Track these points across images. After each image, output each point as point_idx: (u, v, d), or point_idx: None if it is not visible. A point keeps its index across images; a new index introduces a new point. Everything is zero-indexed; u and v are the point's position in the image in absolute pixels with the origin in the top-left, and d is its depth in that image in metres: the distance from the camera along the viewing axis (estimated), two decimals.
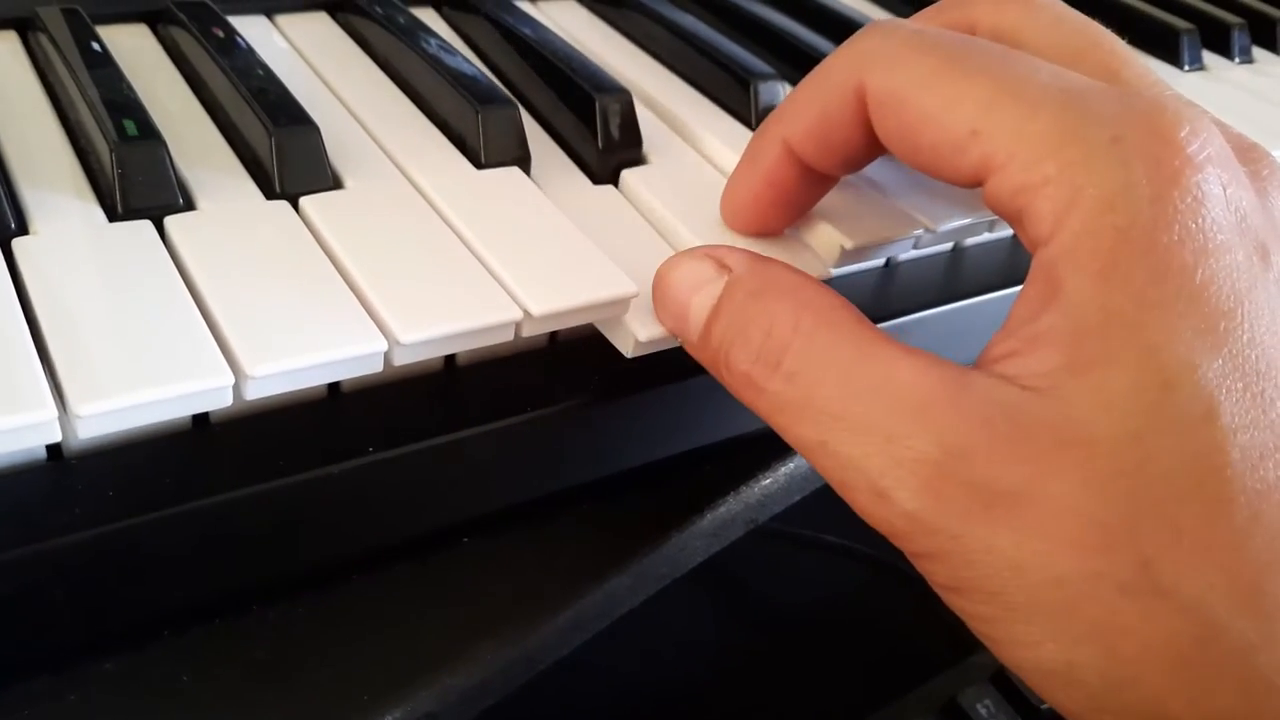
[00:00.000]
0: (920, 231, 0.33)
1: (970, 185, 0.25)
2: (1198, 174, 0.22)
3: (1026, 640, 0.22)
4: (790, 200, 0.31)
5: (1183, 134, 0.23)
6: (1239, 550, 0.21)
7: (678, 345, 0.28)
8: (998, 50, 0.25)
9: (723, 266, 0.26)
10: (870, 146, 0.28)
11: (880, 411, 0.23)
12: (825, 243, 0.32)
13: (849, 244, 0.32)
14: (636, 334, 0.28)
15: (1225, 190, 0.23)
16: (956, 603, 0.23)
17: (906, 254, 0.36)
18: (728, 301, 0.26)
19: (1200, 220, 0.22)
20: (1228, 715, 0.21)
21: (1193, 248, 0.22)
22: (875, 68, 0.26)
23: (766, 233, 0.32)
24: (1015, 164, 0.23)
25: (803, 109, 0.28)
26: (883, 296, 0.35)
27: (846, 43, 0.27)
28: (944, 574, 0.23)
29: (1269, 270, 0.23)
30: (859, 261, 0.33)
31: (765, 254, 0.27)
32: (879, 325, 0.27)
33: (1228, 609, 0.21)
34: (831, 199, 0.32)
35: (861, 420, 0.23)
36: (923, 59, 0.25)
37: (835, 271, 0.32)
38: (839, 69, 0.27)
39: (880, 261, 0.36)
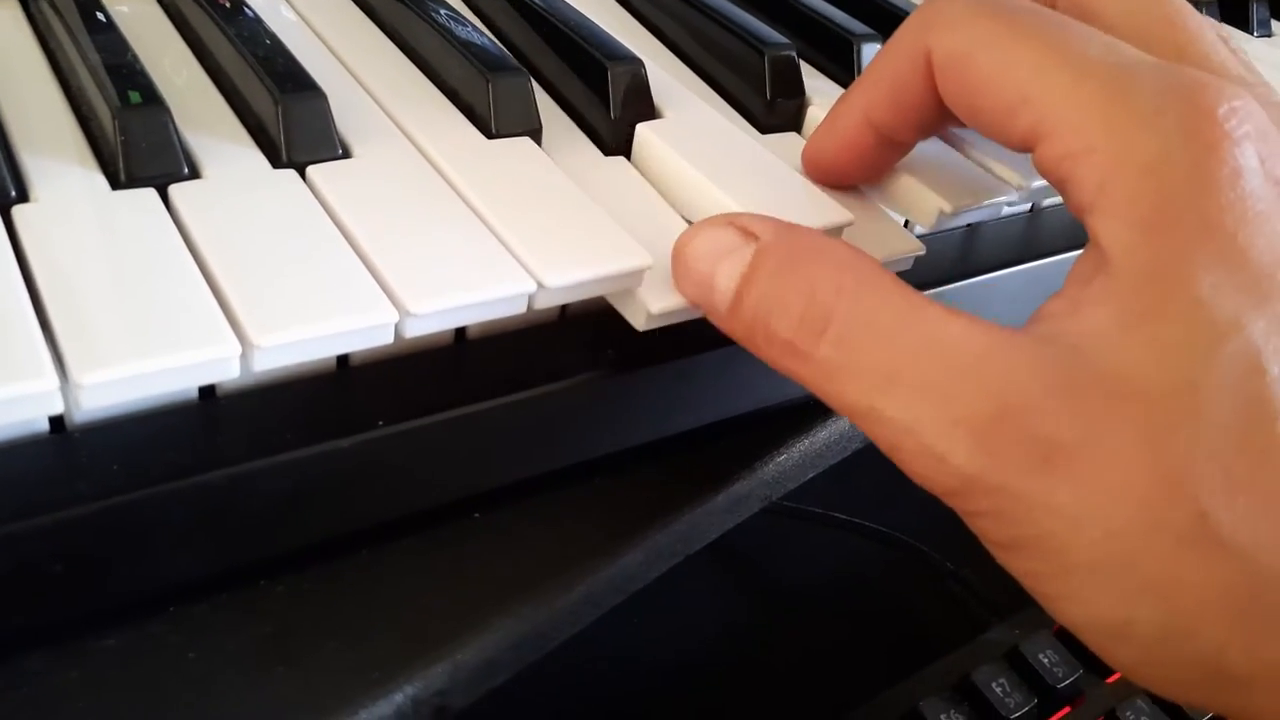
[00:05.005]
0: (1011, 194, 0.33)
1: (1022, 149, 0.26)
2: (1235, 147, 0.23)
3: (1083, 596, 0.22)
4: (866, 163, 0.32)
5: (1221, 110, 0.23)
6: None
7: (691, 318, 0.28)
8: (1056, 19, 0.26)
9: (748, 234, 0.26)
10: (940, 109, 0.28)
11: (932, 371, 0.23)
12: (922, 207, 0.32)
13: (948, 208, 0.32)
14: (649, 306, 0.28)
15: (1264, 163, 0.23)
16: (1010, 560, 0.23)
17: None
18: (760, 269, 0.25)
19: (1238, 190, 0.23)
20: None
21: (1232, 214, 0.22)
22: (939, 30, 0.27)
23: (845, 187, 0.33)
24: (1061, 132, 0.24)
25: (877, 75, 0.29)
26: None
27: (917, 8, 0.28)
28: (1000, 532, 0.23)
29: None
30: (948, 225, 0.33)
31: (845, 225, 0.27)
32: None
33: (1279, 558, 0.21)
34: (920, 163, 0.33)
35: (913, 381, 0.23)
36: (983, 23, 0.26)
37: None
38: (908, 33, 0.28)
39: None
